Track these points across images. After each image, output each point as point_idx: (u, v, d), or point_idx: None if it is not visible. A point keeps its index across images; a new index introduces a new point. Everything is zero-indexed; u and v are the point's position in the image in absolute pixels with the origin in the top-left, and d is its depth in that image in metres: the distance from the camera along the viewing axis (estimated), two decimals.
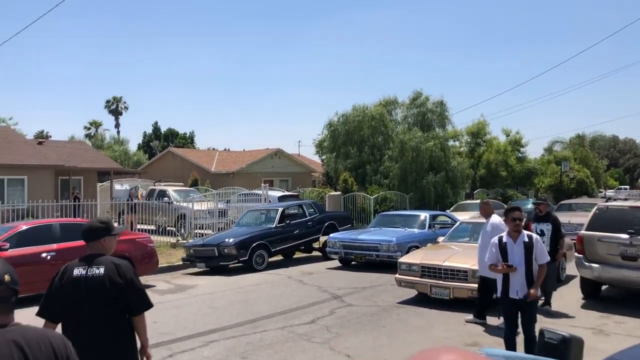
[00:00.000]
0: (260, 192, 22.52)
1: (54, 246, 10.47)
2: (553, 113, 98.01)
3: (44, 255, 10.28)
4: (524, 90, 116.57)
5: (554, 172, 43.32)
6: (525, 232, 6.21)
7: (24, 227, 10.63)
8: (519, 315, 6.15)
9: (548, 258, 6.23)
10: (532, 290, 5.96)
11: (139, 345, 3.70)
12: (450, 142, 33.00)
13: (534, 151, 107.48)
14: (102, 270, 3.57)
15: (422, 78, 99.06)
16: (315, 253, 16.66)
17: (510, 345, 6.06)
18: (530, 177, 39.85)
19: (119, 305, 3.59)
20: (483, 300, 8.28)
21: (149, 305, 3.73)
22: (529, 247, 6.06)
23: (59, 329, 3.42)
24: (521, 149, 40.26)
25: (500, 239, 6.26)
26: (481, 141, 38.32)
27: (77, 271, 3.60)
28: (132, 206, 19.78)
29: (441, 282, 9.23)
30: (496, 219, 8.36)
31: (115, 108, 66.44)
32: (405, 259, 10.13)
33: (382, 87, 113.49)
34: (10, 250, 9.93)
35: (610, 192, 47.74)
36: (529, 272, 6.02)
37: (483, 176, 37.33)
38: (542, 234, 8.85)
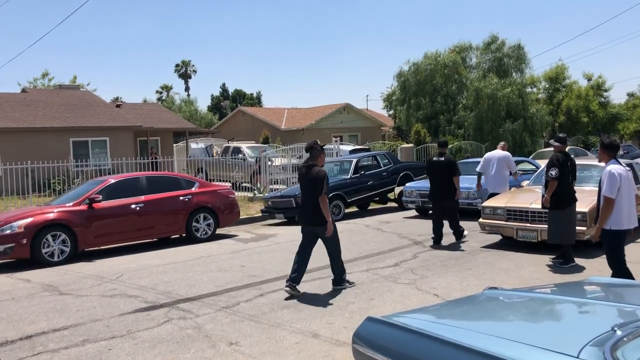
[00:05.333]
0: (331, 146, 22.52)
1: (142, 198, 10.91)
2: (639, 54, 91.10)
3: (133, 206, 10.75)
4: (605, 30, 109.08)
5: None
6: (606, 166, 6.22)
7: (113, 181, 11.11)
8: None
9: (607, 193, 6.02)
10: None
11: None
12: (528, 89, 31.42)
13: (618, 96, 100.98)
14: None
15: (497, 21, 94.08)
16: (391, 204, 16.56)
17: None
18: (614, 123, 37.51)
19: None
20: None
21: None
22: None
23: None
24: (604, 94, 37.83)
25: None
26: (560, 86, 36.25)
27: None
28: (259, 167, 19.44)
29: (528, 224, 8.92)
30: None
31: (184, 72, 68.02)
32: (489, 203, 9.85)
33: (456, 33, 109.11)
34: (103, 202, 10.43)
35: None
36: (598, 204, 6.26)
37: (563, 123, 35.51)
38: None
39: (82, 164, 17.91)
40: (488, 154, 11.76)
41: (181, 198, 11.37)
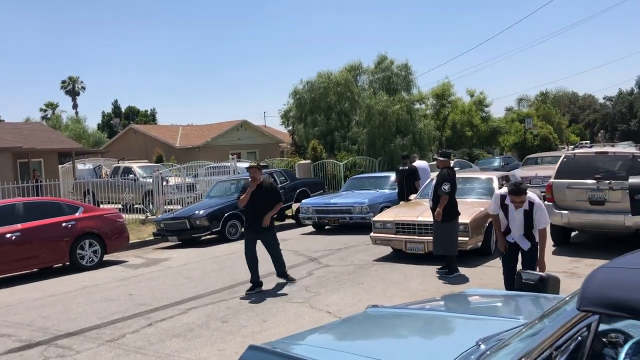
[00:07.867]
0: (228, 164, 22.25)
1: (19, 226, 10.12)
2: (518, 71, 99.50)
3: (8, 235, 9.93)
4: (488, 48, 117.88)
5: (518, 130, 44.03)
6: (528, 201, 6.05)
7: None
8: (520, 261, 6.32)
9: (546, 224, 6.18)
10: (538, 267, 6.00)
11: None
12: (416, 105, 32.98)
13: (499, 111, 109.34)
14: None
15: (386, 41, 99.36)
16: (289, 221, 16.59)
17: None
18: (495, 136, 40.37)
19: None
20: None
21: None
22: (529, 214, 6.08)
23: None
24: (485, 109, 40.66)
25: (503, 197, 6.17)
26: (446, 102, 38.51)
27: None
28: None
29: (415, 237, 9.29)
30: None
31: (71, 89, 64.48)
32: (379, 217, 10.15)
33: (348, 52, 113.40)
34: None
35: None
36: (528, 232, 6.15)
37: (449, 137, 37.64)
38: None
39: None
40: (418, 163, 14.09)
41: (64, 224, 10.67)
